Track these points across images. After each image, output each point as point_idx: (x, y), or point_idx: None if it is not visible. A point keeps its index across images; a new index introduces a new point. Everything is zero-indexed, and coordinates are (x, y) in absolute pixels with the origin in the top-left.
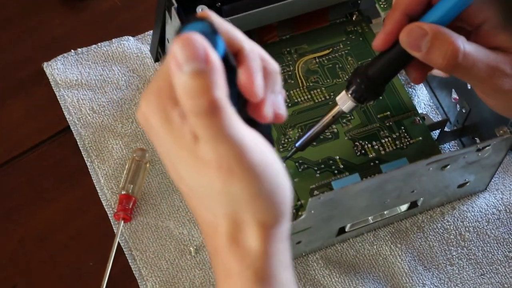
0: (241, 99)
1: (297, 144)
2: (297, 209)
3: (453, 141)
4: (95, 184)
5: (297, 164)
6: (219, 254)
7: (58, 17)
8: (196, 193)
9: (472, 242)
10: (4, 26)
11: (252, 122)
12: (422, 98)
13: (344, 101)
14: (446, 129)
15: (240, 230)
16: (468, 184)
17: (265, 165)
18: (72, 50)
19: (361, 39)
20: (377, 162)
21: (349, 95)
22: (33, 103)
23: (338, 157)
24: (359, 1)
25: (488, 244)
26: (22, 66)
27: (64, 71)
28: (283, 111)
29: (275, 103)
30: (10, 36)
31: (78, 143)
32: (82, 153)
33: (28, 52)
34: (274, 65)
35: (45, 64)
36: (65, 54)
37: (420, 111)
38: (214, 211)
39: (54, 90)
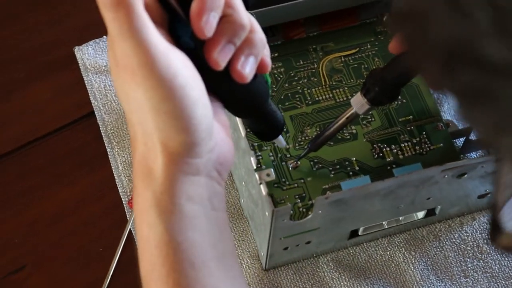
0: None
1: (310, 144)
2: (307, 209)
3: (480, 151)
4: (113, 170)
5: (312, 163)
6: (133, 170)
7: (93, 2)
8: (122, 103)
9: (490, 255)
10: (40, 8)
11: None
12: (452, 104)
13: (359, 104)
14: (471, 137)
15: (148, 148)
16: (489, 195)
17: (171, 81)
18: (104, 36)
19: (390, 40)
20: (394, 166)
21: (364, 98)
22: (61, 86)
23: (354, 159)
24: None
25: (506, 258)
26: (53, 48)
27: (94, 56)
28: (244, 70)
29: (237, 60)
30: (45, 18)
31: (101, 128)
32: (104, 139)
33: (61, 35)
34: (242, 19)
35: (76, 48)
36: (97, 40)
37: (449, 118)
38: (132, 122)
39: (83, 75)
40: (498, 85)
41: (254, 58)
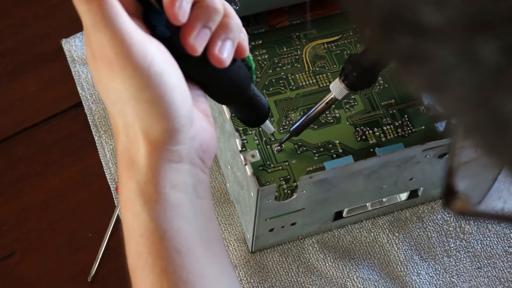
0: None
1: (291, 129)
2: (292, 190)
3: None
4: (101, 158)
5: (296, 146)
6: (117, 162)
7: None
8: (102, 96)
9: (472, 235)
10: (27, 2)
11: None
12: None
13: (337, 88)
14: (453, 121)
15: (130, 140)
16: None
17: (148, 69)
18: None
19: None
20: (376, 148)
21: (342, 83)
22: (49, 78)
23: (338, 142)
24: None
25: (488, 238)
26: (41, 41)
27: (81, 48)
28: (222, 54)
29: (214, 45)
30: (33, 11)
31: (88, 118)
32: (91, 128)
33: (48, 28)
34: (214, 3)
35: (63, 41)
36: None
37: (431, 102)
38: (113, 114)
39: (70, 66)
40: (431, 48)
41: (231, 42)
